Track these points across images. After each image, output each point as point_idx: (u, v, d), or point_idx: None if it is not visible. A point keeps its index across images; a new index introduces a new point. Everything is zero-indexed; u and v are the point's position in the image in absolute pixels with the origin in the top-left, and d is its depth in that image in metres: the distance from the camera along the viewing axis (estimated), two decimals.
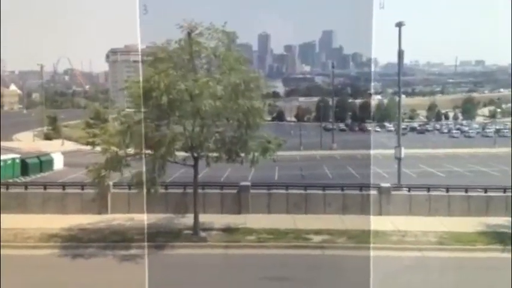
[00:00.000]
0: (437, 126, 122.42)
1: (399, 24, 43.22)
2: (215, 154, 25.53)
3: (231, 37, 25.25)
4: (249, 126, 24.97)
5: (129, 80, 26.07)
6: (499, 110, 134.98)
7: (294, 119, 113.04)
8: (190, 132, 25.01)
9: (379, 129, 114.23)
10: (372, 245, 23.36)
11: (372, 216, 27.44)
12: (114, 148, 24.17)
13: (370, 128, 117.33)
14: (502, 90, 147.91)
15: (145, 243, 23.44)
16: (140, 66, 24.01)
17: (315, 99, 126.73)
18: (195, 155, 25.50)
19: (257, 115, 25.01)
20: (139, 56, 25.43)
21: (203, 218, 26.31)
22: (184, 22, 24.49)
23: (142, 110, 24.06)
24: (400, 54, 46.12)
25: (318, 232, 25.28)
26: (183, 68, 24.58)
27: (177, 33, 24.73)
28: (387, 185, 30.70)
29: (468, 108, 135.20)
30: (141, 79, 23.98)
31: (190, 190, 27.45)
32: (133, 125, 23.80)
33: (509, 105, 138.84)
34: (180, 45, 24.72)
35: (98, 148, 24.73)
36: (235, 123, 25.20)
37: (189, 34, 24.57)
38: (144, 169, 24.04)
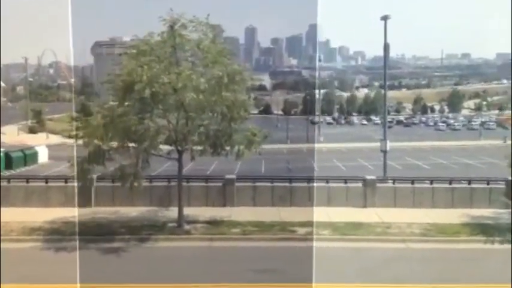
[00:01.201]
0: (423, 119, 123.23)
1: (385, 18, 43.24)
2: (200, 147, 25.35)
3: (216, 30, 25.07)
4: (233, 119, 24.77)
5: (111, 73, 25.76)
6: (484, 102, 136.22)
7: (281, 112, 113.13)
8: (174, 126, 24.88)
9: (365, 122, 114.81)
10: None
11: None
12: (96, 141, 23.95)
13: (356, 121, 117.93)
14: (503, 82, 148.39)
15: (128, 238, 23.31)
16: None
17: (302, 92, 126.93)
18: (180, 148, 25.32)
19: (241, 108, 24.84)
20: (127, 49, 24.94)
21: (188, 211, 26.18)
22: (167, 15, 24.28)
23: (125, 103, 23.84)
24: (386, 47, 46.26)
25: (303, 224, 25.31)
26: (165, 61, 24.31)
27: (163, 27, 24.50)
28: (372, 177, 30.79)
29: (454, 102, 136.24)
30: (121, 71, 23.72)
31: (174, 183, 27.35)
32: (116, 118, 23.56)
33: (495, 98, 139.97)
34: (162, 38, 24.47)
35: (81, 141, 24.51)
36: (219, 116, 25.00)
37: (171, 27, 24.32)
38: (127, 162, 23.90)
